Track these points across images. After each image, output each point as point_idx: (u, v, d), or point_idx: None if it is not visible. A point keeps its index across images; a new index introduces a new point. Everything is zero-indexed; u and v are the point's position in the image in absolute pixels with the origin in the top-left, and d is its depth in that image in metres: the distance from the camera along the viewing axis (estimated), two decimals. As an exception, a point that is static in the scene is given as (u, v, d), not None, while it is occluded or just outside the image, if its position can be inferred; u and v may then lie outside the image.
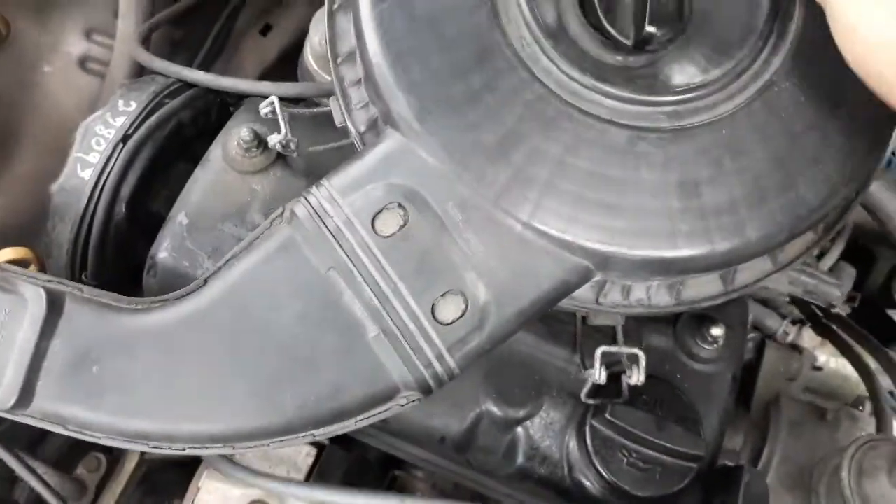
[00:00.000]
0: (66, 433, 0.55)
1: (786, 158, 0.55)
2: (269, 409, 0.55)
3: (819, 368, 0.96)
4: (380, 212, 0.55)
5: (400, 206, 0.55)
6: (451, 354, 0.54)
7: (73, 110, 1.06)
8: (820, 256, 0.83)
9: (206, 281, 0.57)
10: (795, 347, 0.95)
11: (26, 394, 0.53)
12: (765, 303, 0.93)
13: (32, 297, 0.54)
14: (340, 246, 0.55)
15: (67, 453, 0.85)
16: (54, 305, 0.54)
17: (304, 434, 0.55)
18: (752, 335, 0.95)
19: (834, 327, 0.90)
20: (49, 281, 0.56)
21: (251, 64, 1.10)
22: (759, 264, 0.61)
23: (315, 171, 0.71)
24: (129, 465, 0.88)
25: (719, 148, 0.55)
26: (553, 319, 0.75)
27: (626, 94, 0.56)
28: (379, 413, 0.56)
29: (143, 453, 0.89)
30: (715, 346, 0.75)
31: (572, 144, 0.55)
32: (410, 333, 0.54)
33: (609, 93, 0.56)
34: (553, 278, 0.55)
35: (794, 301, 0.90)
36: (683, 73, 0.58)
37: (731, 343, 0.76)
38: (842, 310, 0.88)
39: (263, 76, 1.11)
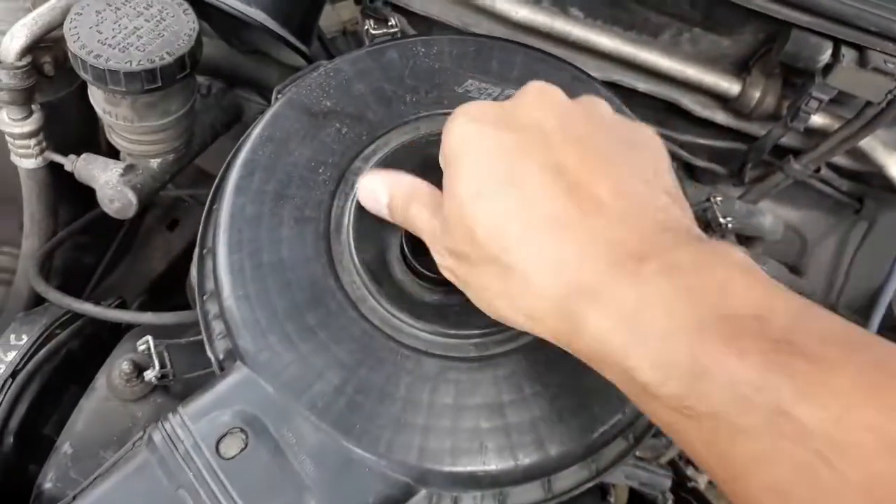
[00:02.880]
0: None
1: (578, 384, 0.64)
2: None
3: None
4: (224, 436, 0.62)
5: (241, 430, 0.63)
6: (287, 566, 0.60)
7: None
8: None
9: (74, 498, 0.64)
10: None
11: None
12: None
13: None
14: (188, 468, 0.62)
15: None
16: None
17: None
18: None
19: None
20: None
21: (159, 257, 1.19)
22: (575, 473, 0.68)
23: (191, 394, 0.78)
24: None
25: (519, 375, 0.64)
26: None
27: (439, 329, 0.65)
28: None
29: None
30: None
31: (392, 374, 0.64)
32: (249, 549, 0.60)
33: (424, 328, 0.65)
34: (377, 494, 0.62)
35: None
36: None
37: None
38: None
39: (171, 267, 1.21)
